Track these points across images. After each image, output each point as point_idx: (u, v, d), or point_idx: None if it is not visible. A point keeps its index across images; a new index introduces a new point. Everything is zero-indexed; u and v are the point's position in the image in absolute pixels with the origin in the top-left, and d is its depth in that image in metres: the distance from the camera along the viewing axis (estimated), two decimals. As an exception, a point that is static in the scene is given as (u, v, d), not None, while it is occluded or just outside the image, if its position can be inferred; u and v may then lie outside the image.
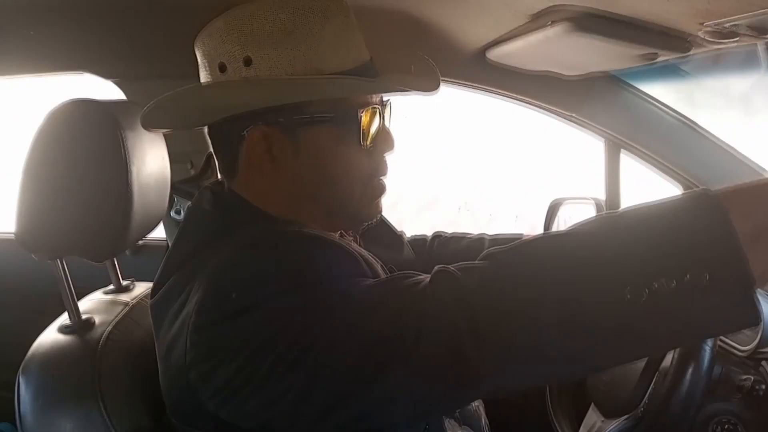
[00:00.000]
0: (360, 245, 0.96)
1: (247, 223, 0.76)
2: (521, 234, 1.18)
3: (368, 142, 0.78)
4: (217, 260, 0.68)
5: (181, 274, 0.73)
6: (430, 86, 0.83)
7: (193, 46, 0.79)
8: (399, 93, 0.79)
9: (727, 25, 0.62)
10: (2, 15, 0.95)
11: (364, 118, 0.76)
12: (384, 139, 0.81)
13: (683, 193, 0.60)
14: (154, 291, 0.76)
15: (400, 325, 0.59)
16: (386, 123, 0.82)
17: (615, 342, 0.58)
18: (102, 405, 0.76)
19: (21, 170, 0.81)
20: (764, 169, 1.36)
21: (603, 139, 1.39)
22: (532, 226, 1.52)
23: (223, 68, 0.74)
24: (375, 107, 0.78)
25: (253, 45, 0.72)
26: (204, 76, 0.77)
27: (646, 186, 1.55)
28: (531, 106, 1.35)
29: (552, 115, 1.35)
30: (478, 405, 0.94)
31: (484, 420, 0.93)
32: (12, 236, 0.83)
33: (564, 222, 1.51)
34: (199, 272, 0.69)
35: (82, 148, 0.82)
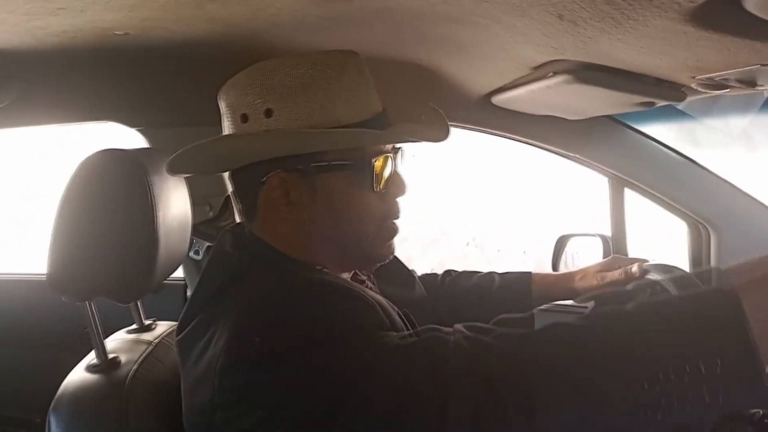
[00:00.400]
0: (373, 283, 1.00)
1: (268, 264, 0.80)
2: (529, 272, 1.21)
3: (381, 187, 0.83)
4: (244, 303, 0.71)
5: (207, 314, 0.76)
6: (439, 136, 0.88)
7: (214, 96, 0.85)
8: (407, 142, 0.84)
9: (717, 78, 0.67)
10: (33, 67, 1.01)
11: (377, 164, 0.81)
12: (396, 183, 0.86)
13: (704, 290, 0.64)
14: (180, 328, 0.80)
15: (425, 397, 0.61)
16: (398, 169, 0.87)
17: (628, 425, 0.61)
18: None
19: (54, 216, 0.86)
20: (764, 203, 1.39)
21: (607, 178, 1.44)
22: (539, 262, 1.56)
23: (245, 119, 0.79)
24: (387, 155, 0.83)
25: (274, 97, 0.77)
26: (227, 125, 0.82)
27: (652, 220, 1.59)
28: (536, 146, 1.40)
29: (556, 154, 1.40)
30: None
31: None
32: (39, 278, 0.87)
33: (571, 257, 1.54)
34: (224, 314, 0.72)
35: (113, 196, 0.86)
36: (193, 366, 0.75)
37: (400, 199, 0.88)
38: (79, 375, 0.88)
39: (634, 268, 1.10)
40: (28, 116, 1.13)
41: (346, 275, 0.91)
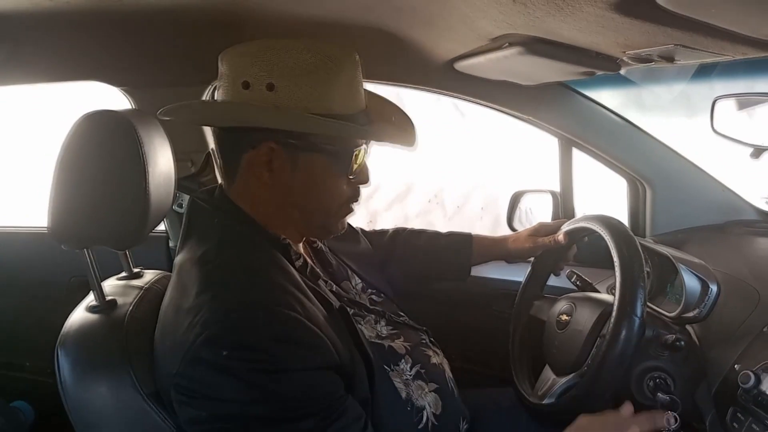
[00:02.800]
0: (323, 243, 1.12)
1: (236, 227, 0.93)
2: (470, 234, 1.37)
3: (352, 174, 0.94)
4: (222, 310, 0.81)
5: (195, 272, 0.88)
6: (410, 142, 1.01)
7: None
8: (387, 144, 0.96)
9: (642, 53, 0.79)
10: (24, 28, 1.06)
11: (356, 155, 0.93)
12: (363, 173, 0.98)
13: None
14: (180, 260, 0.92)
15: None
16: (367, 159, 0.98)
17: None
18: (132, 371, 0.89)
19: (53, 172, 0.93)
20: (696, 165, 1.54)
21: (557, 138, 1.57)
22: (496, 217, 1.70)
23: (246, 86, 0.88)
24: (363, 147, 0.94)
25: (278, 74, 0.86)
26: (224, 88, 0.91)
27: (597, 178, 1.74)
28: (494, 109, 1.51)
29: (512, 117, 1.52)
30: (440, 362, 1.10)
31: (447, 375, 1.09)
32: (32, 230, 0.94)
33: (524, 212, 1.68)
34: (207, 301, 0.82)
35: (107, 153, 0.94)
36: (170, 321, 0.87)
37: (362, 188, 1.00)
38: (80, 315, 0.97)
39: (560, 236, 1.25)
40: (17, 75, 1.17)
41: (301, 241, 1.03)
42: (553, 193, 1.63)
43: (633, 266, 1.03)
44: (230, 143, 0.93)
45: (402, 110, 1.05)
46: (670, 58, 0.79)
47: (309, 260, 1.01)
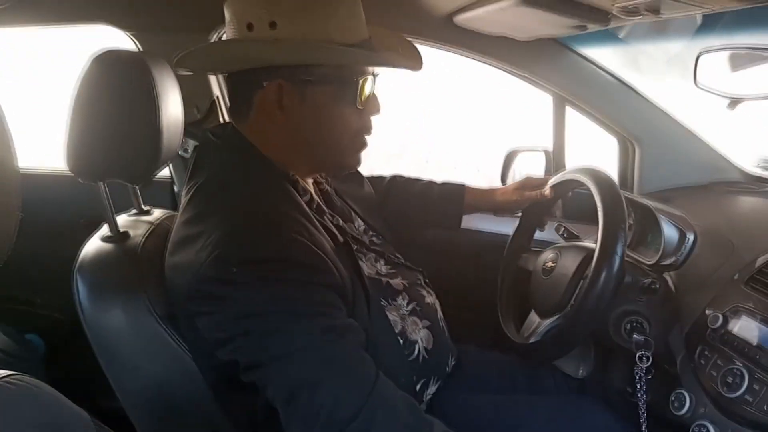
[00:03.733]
0: (330, 184, 1.18)
1: (247, 162, 0.97)
2: (463, 185, 1.43)
3: (361, 103, 0.98)
4: (229, 228, 0.87)
5: (204, 209, 0.93)
6: (416, 66, 1.04)
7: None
8: (391, 67, 0.99)
9: (630, 6, 0.84)
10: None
11: (361, 83, 0.97)
12: (373, 103, 1.02)
13: None
14: (190, 192, 0.97)
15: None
16: (375, 90, 1.02)
17: None
18: (146, 295, 0.95)
19: (69, 110, 0.98)
20: (685, 125, 1.60)
21: (551, 96, 1.61)
22: (491, 178, 1.76)
23: (250, 27, 0.92)
24: (369, 76, 0.98)
25: (279, 12, 0.90)
26: (231, 32, 0.95)
27: (589, 137, 1.79)
28: (491, 65, 1.56)
29: (508, 72, 1.56)
30: (434, 301, 1.17)
31: (439, 315, 1.17)
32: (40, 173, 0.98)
33: (518, 170, 1.73)
34: (215, 220, 0.89)
35: (122, 91, 0.98)
36: (179, 249, 0.93)
37: (374, 118, 1.04)
38: (95, 244, 1.03)
39: (546, 191, 1.31)
40: (27, 17, 1.21)
41: (311, 180, 1.08)
42: (546, 152, 1.68)
43: (615, 211, 1.09)
44: (241, 85, 0.98)
45: (407, 39, 1.08)
46: (656, 11, 0.83)
47: (316, 197, 1.07)
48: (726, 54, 1.05)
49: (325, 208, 1.07)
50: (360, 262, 1.05)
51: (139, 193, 1.19)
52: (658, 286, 1.13)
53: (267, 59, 0.92)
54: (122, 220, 1.14)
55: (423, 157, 3.82)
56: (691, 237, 1.16)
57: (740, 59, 1.04)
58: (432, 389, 1.11)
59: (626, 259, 1.22)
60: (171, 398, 0.97)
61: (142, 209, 1.20)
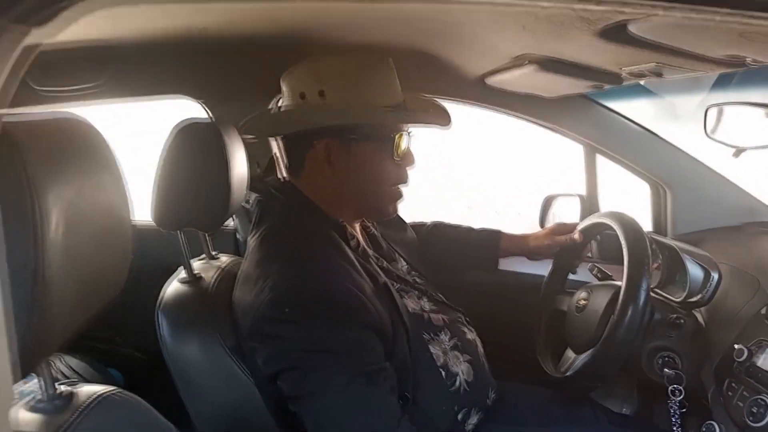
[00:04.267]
0: (376, 229, 1.31)
1: (304, 216, 1.12)
2: (499, 231, 1.55)
3: (398, 156, 1.13)
4: (284, 273, 1.02)
5: (265, 250, 1.09)
6: (445, 122, 1.20)
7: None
8: (423, 124, 1.14)
9: (635, 70, 0.96)
10: (123, 53, 1.29)
11: (397, 139, 1.12)
12: (408, 156, 1.17)
13: None
14: (255, 240, 1.13)
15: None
16: (410, 146, 1.17)
17: None
18: (218, 330, 1.09)
19: (156, 171, 1.16)
20: (713, 169, 1.67)
21: (582, 146, 1.72)
22: (532, 220, 1.86)
23: (303, 96, 1.09)
24: (404, 132, 1.13)
25: (326, 82, 1.07)
26: (287, 101, 1.12)
27: (622, 183, 1.88)
28: (524, 120, 1.68)
29: (540, 126, 1.69)
30: (474, 338, 1.27)
31: (480, 351, 1.26)
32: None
33: (555, 215, 1.83)
34: (273, 267, 1.04)
35: (198, 155, 1.16)
36: (243, 291, 1.08)
37: (409, 169, 1.19)
38: (174, 286, 1.19)
39: (575, 235, 1.41)
40: (117, 93, 1.42)
41: (358, 224, 1.23)
42: (580, 197, 1.78)
43: (639, 250, 1.18)
44: (295, 146, 1.15)
45: (438, 103, 1.24)
46: (658, 74, 0.95)
47: (362, 241, 1.21)
48: (731, 108, 1.15)
49: (369, 251, 1.21)
50: (403, 300, 1.17)
51: (208, 241, 1.35)
52: (683, 321, 1.19)
53: (318, 122, 1.08)
54: (195, 264, 1.30)
55: (466, 204, 3.97)
56: (715, 275, 1.23)
57: (744, 112, 1.13)
58: (474, 419, 1.20)
59: (656, 296, 1.30)
60: (239, 422, 1.09)
61: (212, 255, 1.35)
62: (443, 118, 1.20)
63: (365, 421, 0.96)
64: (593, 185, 1.77)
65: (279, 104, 1.23)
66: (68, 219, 0.50)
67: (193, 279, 1.19)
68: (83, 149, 0.57)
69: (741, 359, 1.10)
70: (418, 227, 1.57)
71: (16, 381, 0.46)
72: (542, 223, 1.78)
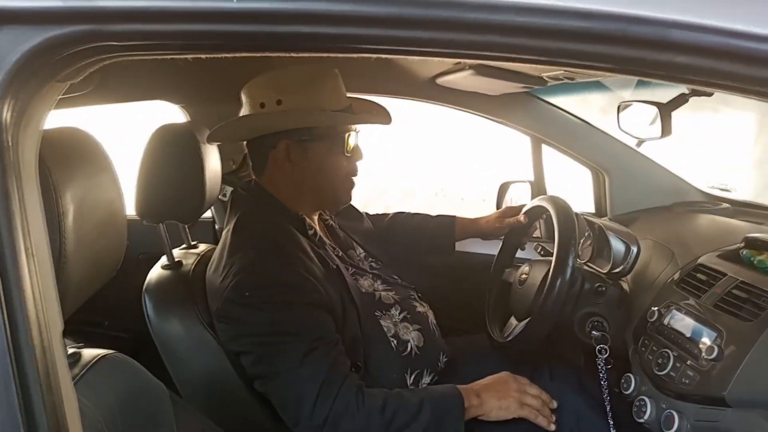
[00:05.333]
0: (334, 221, 1.47)
1: (264, 207, 1.29)
2: (453, 216, 1.71)
3: (348, 152, 1.30)
4: (245, 261, 1.18)
5: (229, 243, 1.25)
6: (386, 121, 1.38)
7: (236, 82, 1.29)
8: (366, 123, 1.31)
9: (552, 75, 1.13)
10: (114, 63, 1.42)
11: (347, 137, 1.28)
12: (357, 151, 1.34)
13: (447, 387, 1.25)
14: (225, 230, 1.28)
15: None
16: (358, 142, 1.34)
17: None
18: (196, 309, 1.24)
19: (138, 169, 1.29)
20: (646, 156, 1.85)
21: (528, 137, 1.89)
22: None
23: (263, 105, 1.25)
24: (353, 131, 1.30)
25: (284, 92, 1.23)
26: (247, 109, 1.28)
27: (565, 169, 2.06)
28: (474, 114, 1.85)
29: (490, 120, 1.85)
30: (426, 311, 1.43)
31: (431, 321, 1.43)
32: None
33: (510, 199, 2.00)
34: (236, 256, 1.20)
35: (175, 155, 1.30)
36: (214, 275, 1.24)
37: (358, 162, 1.35)
38: (157, 272, 1.33)
39: (521, 217, 1.58)
40: (104, 97, 1.54)
41: (316, 216, 1.39)
42: (530, 182, 1.95)
43: (567, 233, 1.35)
44: (258, 148, 1.30)
45: (378, 104, 1.41)
46: (571, 78, 1.12)
47: (319, 231, 1.36)
48: (636, 105, 1.32)
49: (326, 240, 1.37)
50: (358, 282, 1.34)
51: (187, 231, 1.50)
52: (603, 288, 1.37)
53: (278, 127, 1.24)
54: (176, 252, 1.44)
55: (433, 191, 4.18)
56: (635, 249, 1.40)
57: (643, 109, 1.31)
58: (426, 379, 1.37)
59: (587, 269, 1.47)
60: (216, 386, 1.24)
61: (190, 244, 1.50)
62: (384, 118, 1.37)
63: (317, 384, 1.12)
64: (540, 172, 1.94)
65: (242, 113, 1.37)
66: (78, 212, 0.65)
67: (174, 265, 1.34)
68: (87, 156, 0.72)
69: (652, 320, 1.28)
70: (380, 218, 1.73)
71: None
72: (499, 207, 1.95)
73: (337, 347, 1.19)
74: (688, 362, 1.14)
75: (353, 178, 1.36)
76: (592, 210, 1.97)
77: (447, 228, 1.69)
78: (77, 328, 1.72)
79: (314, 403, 1.11)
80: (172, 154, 1.30)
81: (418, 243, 1.71)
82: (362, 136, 1.34)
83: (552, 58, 0.48)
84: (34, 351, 0.43)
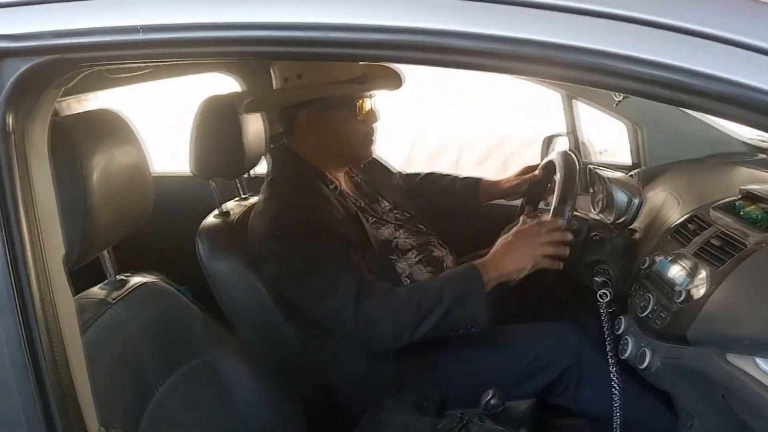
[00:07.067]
0: (360, 177, 1.65)
1: (295, 172, 1.50)
2: (479, 178, 1.85)
3: (361, 117, 1.47)
4: (276, 205, 1.42)
5: (265, 193, 1.48)
6: (395, 86, 1.53)
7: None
8: (375, 90, 1.46)
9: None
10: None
11: (360, 103, 1.45)
12: (371, 115, 1.50)
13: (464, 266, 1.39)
14: (264, 185, 1.52)
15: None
16: (372, 106, 1.50)
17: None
18: (239, 251, 1.48)
19: (191, 133, 1.54)
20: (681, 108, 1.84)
21: (560, 94, 1.95)
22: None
23: (286, 80, 1.44)
24: (366, 98, 1.46)
25: (303, 67, 1.42)
26: (275, 83, 1.48)
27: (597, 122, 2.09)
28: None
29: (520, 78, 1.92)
30: (443, 255, 1.59)
31: (446, 265, 1.59)
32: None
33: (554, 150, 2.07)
34: (271, 201, 1.44)
35: (219, 121, 1.54)
36: (253, 220, 1.48)
37: (374, 125, 1.53)
38: (209, 220, 1.59)
39: (537, 171, 1.67)
40: (168, 73, 1.81)
41: (342, 173, 1.57)
42: (568, 135, 2.02)
43: (566, 183, 1.45)
44: (285, 116, 1.51)
45: (392, 69, 1.55)
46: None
47: (341, 185, 1.55)
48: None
49: (348, 193, 1.56)
50: (378, 230, 1.53)
51: (242, 185, 1.75)
52: (597, 237, 1.46)
53: (296, 99, 1.43)
54: (230, 204, 1.70)
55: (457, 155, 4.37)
56: (636, 200, 1.46)
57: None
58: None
59: (597, 219, 1.56)
60: (256, 317, 1.49)
61: (242, 197, 1.76)
62: (394, 82, 1.51)
63: (352, 295, 1.31)
64: (573, 126, 1.99)
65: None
66: (101, 174, 0.89)
67: (223, 214, 1.60)
68: (112, 131, 0.96)
69: (644, 267, 1.36)
70: (411, 177, 1.92)
71: (76, 265, 0.86)
72: (542, 159, 2.03)
73: (361, 264, 1.38)
74: (663, 304, 1.22)
75: (371, 137, 1.53)
76: (631, 162, 2.00)
77: (472, 190, 1.84)
78: (161, 267, 2.06)
79: (353, 311, 1.31)
80: (215, 121, 1.53)
81: (444, 204, 1.87)
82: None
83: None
84: (30, 271, 0.64)
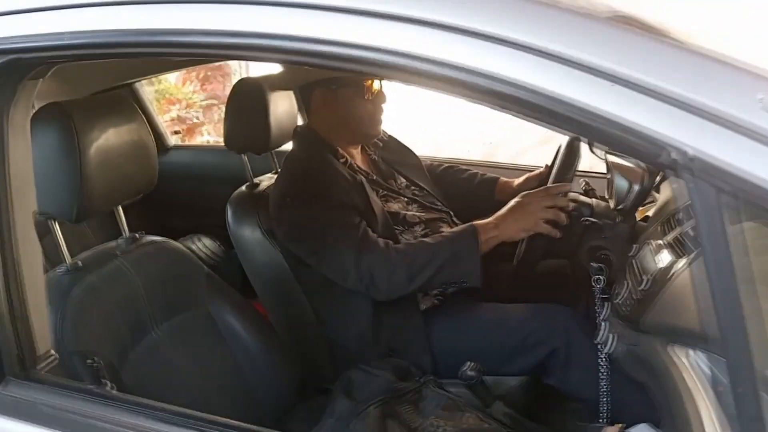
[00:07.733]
0: (378, 155, 1.76)
1: (311, 147, 1.64)
2: (497, 177, 1.91)
3: (370, 96, 1.58)
4: (289, 175, 1.60)
5: (283, 167, 1.64)
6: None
7: None
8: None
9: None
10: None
11: (368, 84, 1.56)
12: (379, 95, 1.60)
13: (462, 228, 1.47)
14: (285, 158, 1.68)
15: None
16: (381, 87, 1.60)
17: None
18: (259, 218, 1.66)
19: (225, 111, 1.74)
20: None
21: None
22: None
23: None
24: (374, 79, 1.56)
25: None
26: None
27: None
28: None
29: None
30: None
31: None
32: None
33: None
34: (286, 174, 1.60)
35: (248, 101, 1.71)
36: (273, 189, 1.64)
37: (382, 105, 1.63)
38: (239, 191, 1.78)
39: (543, 168, 1.74)
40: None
41: (357, 150, 1.69)
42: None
43: (562, 169, 1.47)
44: (303, 95, 1.66)
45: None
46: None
47: (352, 160, 1.67)
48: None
49: (359, 167, 1.67)
50: (387, 203, 1.64)
51: (274, 159, 1.93)
52: (589, 222, 1.46)
53: (309, 78, 1.57)
54: (264, 177, 1.88)
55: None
56: (636, 186, 1.43)
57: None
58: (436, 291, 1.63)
59: (603, 204, 1.55)
60: (273, 275, 1.67)
61: (274, 170, 1.93)
62: None
63: (354, 252, 1.45)
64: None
65: None
66: (98, 148, 1.08)
67: (251, 185, 1.79)
68: (114, 111, 1.16)
69: (631, 254, 1.35)
70: (435, 166, 2.00)
71: (79, 220, 1.07)
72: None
73: (362, 224, 1.51)
74: (632, 291, 1.23)
75: (379, 116, 1.64)
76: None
77: (489, 188, 1.90)
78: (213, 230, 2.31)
79: (355, 265, 1.46)
80: (245, 100, 1.71)
81: (463, 195, 1.93)
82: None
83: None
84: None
